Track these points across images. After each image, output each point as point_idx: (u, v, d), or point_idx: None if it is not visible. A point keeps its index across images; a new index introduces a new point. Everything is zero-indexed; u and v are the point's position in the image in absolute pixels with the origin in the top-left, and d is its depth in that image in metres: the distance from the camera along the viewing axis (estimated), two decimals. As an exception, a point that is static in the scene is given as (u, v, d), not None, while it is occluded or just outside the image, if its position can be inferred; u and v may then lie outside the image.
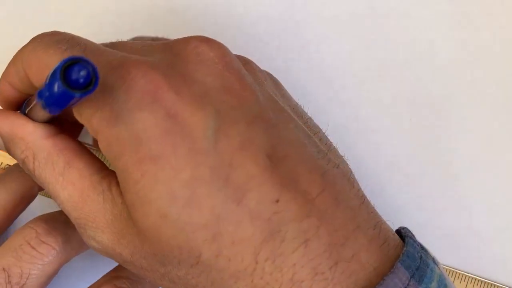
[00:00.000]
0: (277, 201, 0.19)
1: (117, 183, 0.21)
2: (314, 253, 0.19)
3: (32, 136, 0.22)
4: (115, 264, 0.26)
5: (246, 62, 0.23)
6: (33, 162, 0.22)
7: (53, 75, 0.18)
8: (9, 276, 0.23)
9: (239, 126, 0.20)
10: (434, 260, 0.21)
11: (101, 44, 0.25)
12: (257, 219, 0.19)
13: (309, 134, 0.22)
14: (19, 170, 0.27)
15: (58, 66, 0.18)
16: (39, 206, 0.28)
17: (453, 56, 0.31)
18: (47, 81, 0.18)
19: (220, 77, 0.21)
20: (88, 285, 0.25)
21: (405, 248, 0.20)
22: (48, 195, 0.30)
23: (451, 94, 0.31)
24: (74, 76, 0.17)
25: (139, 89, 0.20)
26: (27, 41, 0.23)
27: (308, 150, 0.21)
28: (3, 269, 0.23)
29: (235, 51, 0.32)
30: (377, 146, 0.31)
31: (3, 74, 0.24)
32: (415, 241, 0.22)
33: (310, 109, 0.30)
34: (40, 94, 0.19)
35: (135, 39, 0.27)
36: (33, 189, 0.27)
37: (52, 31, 0.23)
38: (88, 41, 0.22)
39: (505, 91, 0.31)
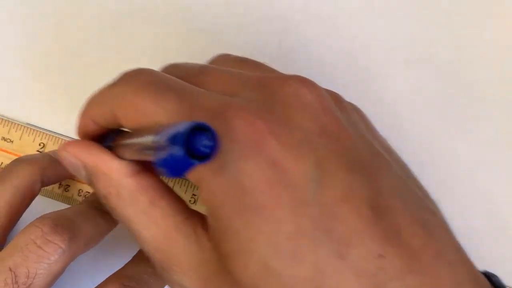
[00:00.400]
0: (381, 255, 0.19)
1: (203, 226, 0.21)
2: None
3: (117, 173, 0.22)
4: (122, 263, 0.26)
5: (337, 100, 0.23)
6: (116, 199, 0.22)
7: (174, 141, 0.17)
8: (16, 276, 0.23)
9: (340, 175, 0.19)
10: None
11: (189, 64, 0.24)
12: (361, 275, 0.18)
13: (404, 179, 0.21)
14: (20, 165, 0.27)
15: (181, 134, 0.17)
16: (40, 206, 0.28)
17: (453, 56, 0.31)
18: (166, 149, 0.17)
19: (319, 122, 0.20)
20: (95, 285, 0.25)
21: None
22: (49, 195, 0.30)
23: (451, 94, 0.31)
24: (197, 145, 0.17)
25: (243, 138, 0.19)
26: (114, 80, 0.22)
27: (407, 199, 0.20)
28: (10, 269, 0.23)
29: (235, 51, 0.32)
30: (377, 146, 0.31)
31: (86, 111, 0.24)
32: None
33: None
34: (160, 162, 0.18)
35: (220, 57, 0.26)
36: (36, 184, 0.27)
37: (138, 70, 0.22)
38: (178, 82, 0.22)
39: (505, 91, 0.31)
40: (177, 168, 0.17)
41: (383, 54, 0.31)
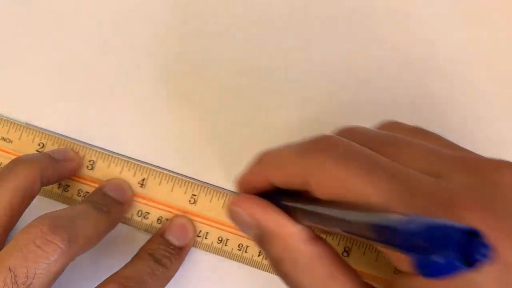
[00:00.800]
0: None
1: None
2: None
3: (293, 239, 0.21)
4: (122, 263, 0.26)
5: None
6: (291, 266, 0.21)
7: (442, 243, 0.15)
8: (15, 277, 0.23)
9: None
10: None
11: (371, 131, 0.23)
12: None
13: None
14: (19, 165, 0.27)
15: (456, 239, 0.15)
16: (40, 206, 0.28)
17: (453, 56, 0.31)
18: (418, 243, 0.16)
19: None
20: (95, 285, 0.25)
21: None
22: (49, 195, 0.30)
23: (451, 94, 0.31)
24: (474, 253, 0.15)
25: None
26: (303, 145, 0.22)
27: None
28: (9, 269, 0.23)
29: (235, 50, 0.32)
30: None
31: (264, 170, 0.23)
32: None
33: (310, 110, 0.30)
34: (422, 263, 0.16)
35: (391, 125, 0.25)
36: (35, 184, 0.27)
37: (332, 139, 0.21)
38: (382, 158, 0.21)
39: (505, 91, 0.31)
40: (439, 270, 0.15)
41: (383, 54, 0.31)
